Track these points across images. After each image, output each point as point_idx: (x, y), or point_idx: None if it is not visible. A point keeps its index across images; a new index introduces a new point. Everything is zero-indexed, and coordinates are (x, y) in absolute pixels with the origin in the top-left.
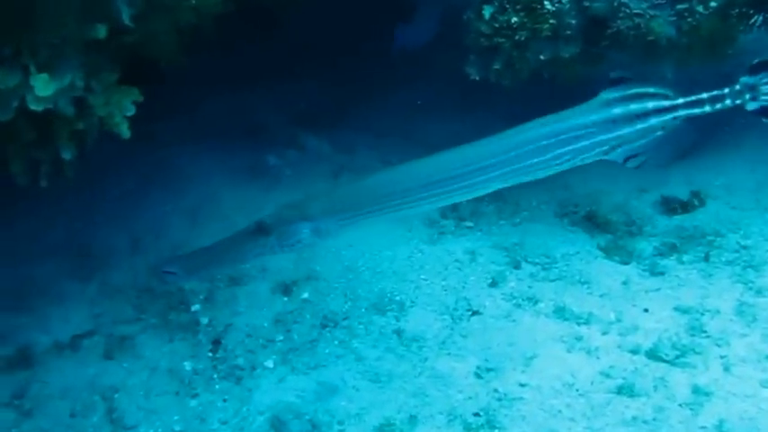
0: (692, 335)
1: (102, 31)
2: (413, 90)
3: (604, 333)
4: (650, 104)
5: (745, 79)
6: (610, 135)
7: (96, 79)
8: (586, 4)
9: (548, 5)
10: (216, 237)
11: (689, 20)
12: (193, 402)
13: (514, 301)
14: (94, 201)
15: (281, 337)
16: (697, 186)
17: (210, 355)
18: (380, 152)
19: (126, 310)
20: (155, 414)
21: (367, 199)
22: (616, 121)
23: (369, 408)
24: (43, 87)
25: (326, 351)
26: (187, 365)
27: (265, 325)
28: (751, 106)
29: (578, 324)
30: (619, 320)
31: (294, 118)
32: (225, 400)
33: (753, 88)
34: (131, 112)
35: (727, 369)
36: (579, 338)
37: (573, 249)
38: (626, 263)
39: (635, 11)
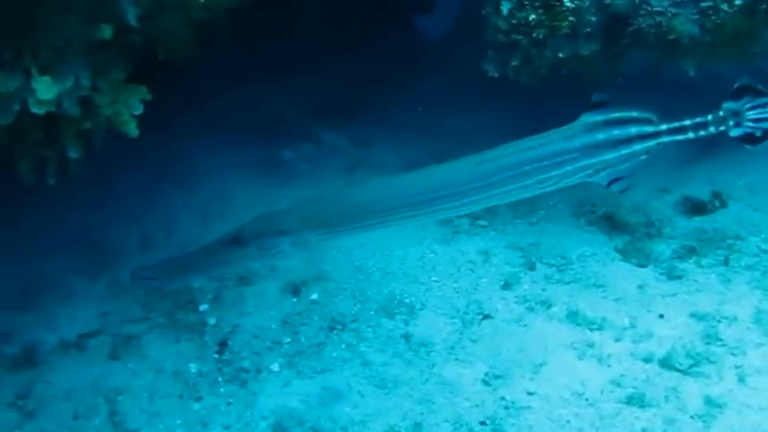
0: (708, 343)
1: (107, 32)
2: (430, 83)
3: (617, 340)
4: (633, 130)
5: (728, 105)
6: (593, 160)
7: (103, 78)
8: (607, 1)
9: (567, 3)
10: None
11: (713, 18)
12: (197, 406)
13: (527, 305)
14: (107, 196)
15: (288, 340)
16: (719, 187)
17: (216, 356)
18: (397, 146)
19: (134, 309)
20: (157, 417)
21: (347, 214)
22: (599, 147)
23: (373, 415)
24: (45, 90)
25: (333, 355)
26: (192, 367)
27: (273, 326)
28: (734, 133)
29: (591, 330)
30: (633, 326)
31: (310, 111)
32: (229, 404)
33: (736, 114)
34: (139, 110)
35: (741, 380)
36: (591, 345)
37: (589, 251)
38: (643, 266)
39: (656, 9)
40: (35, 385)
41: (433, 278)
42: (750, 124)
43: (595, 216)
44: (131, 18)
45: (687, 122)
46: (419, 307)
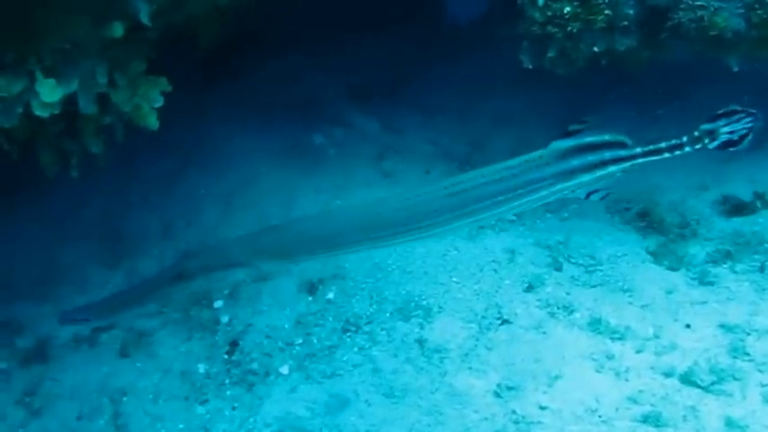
0: (734, 357)
1: (118, 30)
2: (468, 65)
3: (638, 351)
4: (607, 155)
5: (704, 126)
6: (569, 183)
7: (121, 72)
8: None
9: None
10: (247, 227)
11: (759, 12)
12: (201, 409)
13: (549, 309)
14: (131, 179)
15: (300, 341)
16: (762, 186)
17: (226, 357)
18: (430, 132)
19: (151, 304)
20: (160, 421)
21: (299, 243)
22: (574, 172)
23: (379, 425)
24: (49, 93)
25: (344, 359)
26: (201, 368)
27: (286, 326)
28: (712, 145)
29: (612, 340)
30: (657, 337)
31: (345, 91)
32: (234, 408)
33: (711, 133)
34: (159, 103)
35: (766, 400)
36: (611, 357)
37: (621, 251)
38: (675, 269)
39: (698, 2)
40: (43, 382)
41: (454, 279)
42: (726, 136)
43: (630, 214)
44: (144, 17)
45: (662, 145)
46: (436, 310)
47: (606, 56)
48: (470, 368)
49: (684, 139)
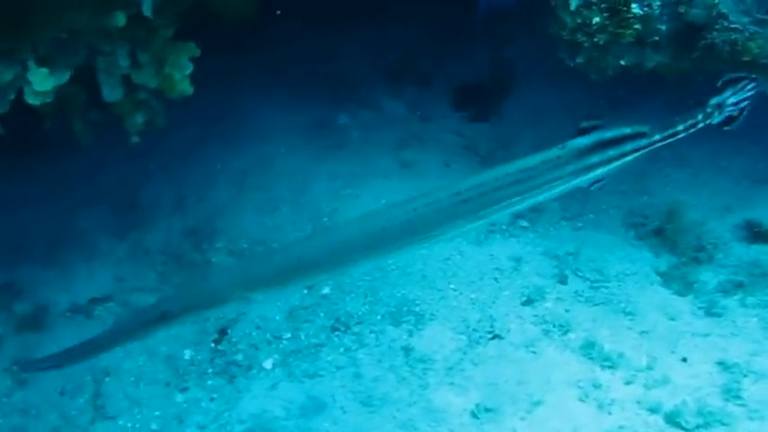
0: (726, 399)
1: (121, 19)
2: (508, 54)
3: (628, 382)
4: (628, 147)
5: (713, 100)
6: (585, 177)
7: (143, 49)
8: (682, 9)
9: (635, 8)
10: (254, 210)
11: None
12: (180, 397)
13: (544, 327)
14: (152, 146)
15: (289, 335)
16: None
17: (213, 345)
18: (456, 122)
19: (149, 277)
20: (138, 406)
21: (296, 268)
22: (593, 167)
23: None
24: (41, 82)
25: (329, 359)
26: (187, 354)
27: (277, 318)
28: (716, 119)
29: (603, 367)
30: (649, 368)
31: (378, 69)
32: (212, 400)
33: (720, 106)
34: (190, 69)
35: None
36: (597, 386)
37: (630, 269)
38: (683, 295)
39: (733, 25)
40: (34, 352)
41: (452, 285)
42: (730, 108)
43: (646, 229)
44: (147, 9)
45: (680, 127)
46: (428, 317)
47: (636, 69)
48: (452, 383)
49: (699, 116)
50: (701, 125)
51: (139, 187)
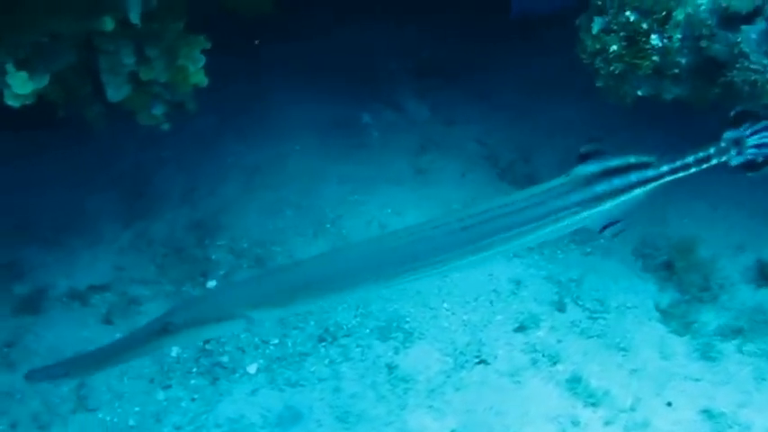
0: None
1: (109, 24)
2: (542, 60)
3: (607, 423)
4: (634, 177)
5: (728, 134)
6: (593, 210)
7: (152, 45)
8: (704, 44)
9: (654, 40)
10: (261, 212)
11: None
12: (161, 395)
13: (532, 356)
14: (169, 134)
15: (276, 341)
16: None
17: (201, 344)
18: (482, 128)
19: (148, 269)
20: (119, 400)
21: (310, 288)
22: (600, 198)
23: None
24: (21, 85)
25: (312, 369)
26: (174, 350)
27: (267, 323)
28: (735, 161)
29: (585, 404)
30: (632, 409)
31: (405, 68)
32: (193, 400)
33: (737, 142)
34: (202, 62)
35: None
36: (576, 423)
37: (632, 301)
38: (680, 334)
39: (753, 65)
40: (26, 335)
41: (446, 304)
42: (752, 151)
43: (654, 262)
44: (134, 17)
45: (690, 159)
46: (417, 336)
47: (654, 99)
48: (431, 407)
49: (711, 150)
50: (714, 161)
51: (151, 175)
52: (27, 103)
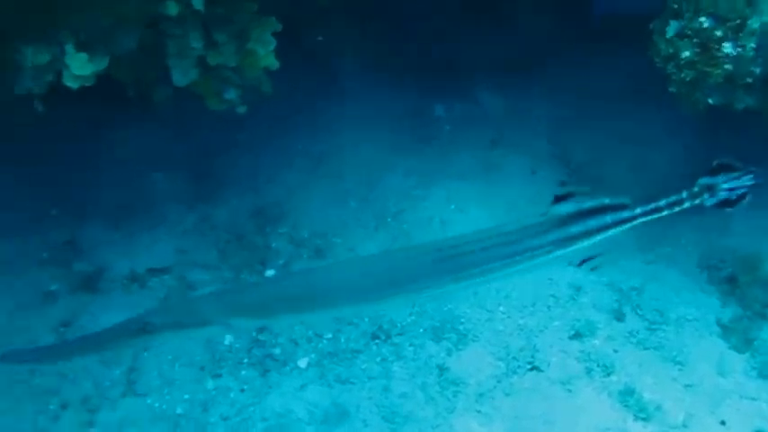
0: None
1: (172, 9)
2: (622, 64)
3: None
4: (609, 218)
5: (703, 180)
6: (568, 249)
7: (220, 30)
8: None
9: (727, 48)
10: (324, 202)
11: None
12: (211, 384)
13: (586, 365)
14: (247, 117)
15: (330, 336)
16: None
17: (254, 334)
18: (553, 126)
19: (210, 253)
20: (168, 386)
21: (286, 303)
22: (574, 238)
23: None
24: (80, 67)
25: (362, 367)
26: (227, 339)
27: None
28: (709, 202)
29: (636, 418)
30: (685, 426)
31: (487, 61)
32: (242, 391)
33: (710, 188)
34: (273, 44)
35: None
36: None
37: (693, 314)
38: (740, 351)
39: None
40: (82, 315)
41: (501, 308)
42: (724, 193)
43: (719, 275)
44: (198, 2)
45: (662, 203)
46: (471, 338)
47: (725, 108)
48: (479, 411)
49: (684, 194)
50: (686, 204)
51: (219, 158)
52: (86, 84)
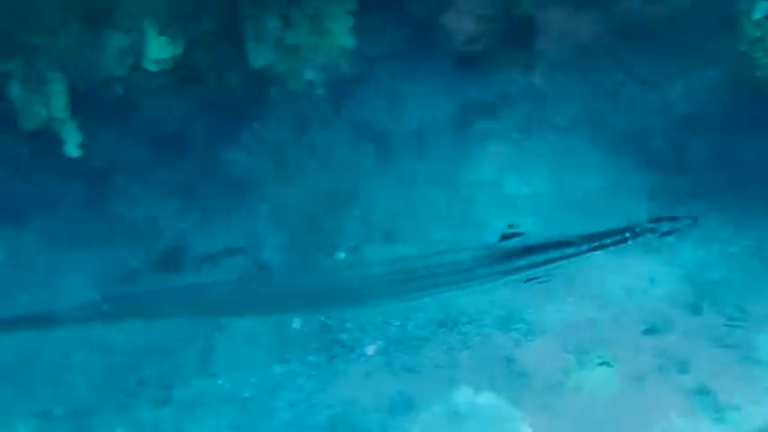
0: None
1: None
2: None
3: None
4: (555, 254)
5: (647, 225)
6: (515, 276)
7: (297, 9)
8: None
9: None
10: (395, 183)
11: None
12: (279, 369)
13: (660, 361)
14: (314, 96)
15: (398, 323)
16: None
17: (322, 318)
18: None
19: (282, 236)
20: (237, 369)
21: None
22: (520, 269)
23: None
24: (160, 50)
25: (430, 355)
26: (296, 323)
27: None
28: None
29: (711, 420)
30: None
31: (530, 46)
32: (309, 377)
33: (653, 230)
34: (350, 22)
35: None
36: None
37: None
38: None
39: None
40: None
41: (571, 297)
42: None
43: None
44: None
45: (607, 240)
46: (539, 329)
47: None
48: (546, 405)
49: (627, 234)
50: (629, 242)
51: (291, 139)
52: (165, 67)
